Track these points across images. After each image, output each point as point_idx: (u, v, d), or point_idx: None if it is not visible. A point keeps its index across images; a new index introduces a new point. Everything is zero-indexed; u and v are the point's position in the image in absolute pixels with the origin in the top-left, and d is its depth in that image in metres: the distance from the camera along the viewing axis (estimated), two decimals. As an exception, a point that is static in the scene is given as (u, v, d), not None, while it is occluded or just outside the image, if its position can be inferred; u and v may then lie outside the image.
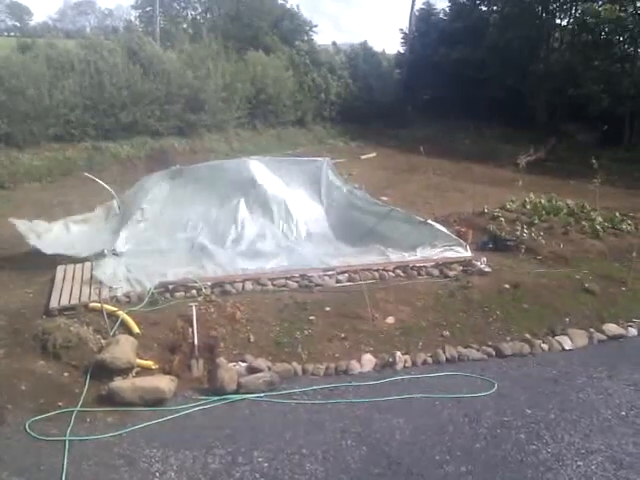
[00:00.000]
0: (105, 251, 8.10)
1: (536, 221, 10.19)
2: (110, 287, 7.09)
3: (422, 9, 30.90)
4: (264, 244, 8.73)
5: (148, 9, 29.77)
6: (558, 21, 26.38)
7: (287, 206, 9.26)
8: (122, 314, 6.48)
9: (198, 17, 31.01)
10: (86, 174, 9.25)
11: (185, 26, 28.42)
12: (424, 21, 30.58)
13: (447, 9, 29.92)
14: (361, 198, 9.56)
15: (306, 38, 29.03)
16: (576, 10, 25.01)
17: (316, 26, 30.97)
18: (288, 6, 29.99)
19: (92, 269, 7.61)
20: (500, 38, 25.19)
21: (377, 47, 30.54)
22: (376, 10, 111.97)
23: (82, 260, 8.01)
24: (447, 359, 6.40)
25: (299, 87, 24.42)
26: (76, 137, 16.62)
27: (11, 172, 14.23)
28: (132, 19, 31.58)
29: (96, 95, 17.03)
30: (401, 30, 31.14)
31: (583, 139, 23.07)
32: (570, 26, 25.39)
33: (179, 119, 19.00)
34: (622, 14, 20.50)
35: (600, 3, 21.62)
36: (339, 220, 9.40)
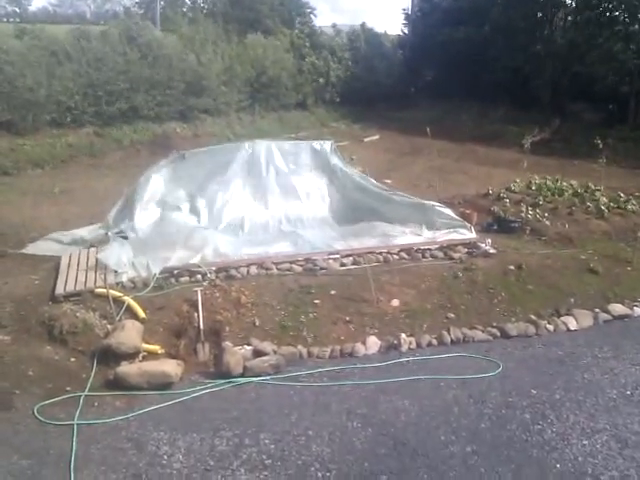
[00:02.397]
0: (109, 234, 8.11)
1: (541, 202, 10.15)
2: (115, 272, 7.11)
3: (424, -12, 30.46)
4: (267, 228, 8.73)
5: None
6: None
7: (289, 190, 9.23)
8: (128, 299, 6.51)
9: (198, 0, 30.67)
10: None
11: (185, 10, 28.14)
12: (427, 1, 30.17)
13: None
14: (364, 182, 9.47)
15: (306, 21, 28.70)
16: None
17: (315, 9, 30.69)
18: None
19: (97, 254, 7.63)
20: (503, 18, 24.83)
21: (378, 28, 30.21)
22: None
23: (87, 246, 8.04)
24: (452, 341, 6.42)
25: (299, 70, 24.18)
26: (77, 123, 16.54)
27: (14, 159, 14.20)
28: (131, 5, 31.26)
29: (95, 81, 16.91)
30: (404, 10, 30.77)
31: (588, 119, 22.83)
32: (573, 4, 24.97)
33: (181, 104, 18.87)
34: None
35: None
36: (341, 204, 9.34)
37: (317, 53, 25.24)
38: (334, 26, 29.34)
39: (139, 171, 14.03)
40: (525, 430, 4.92)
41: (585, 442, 4.78)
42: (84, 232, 8.69)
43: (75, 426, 4.79)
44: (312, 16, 30.10)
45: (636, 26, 21.30)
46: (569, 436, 4.85)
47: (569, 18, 25.43)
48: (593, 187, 11.05)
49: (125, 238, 8.01)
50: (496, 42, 24.96)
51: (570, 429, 4.95)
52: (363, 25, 29.10)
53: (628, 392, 5.54)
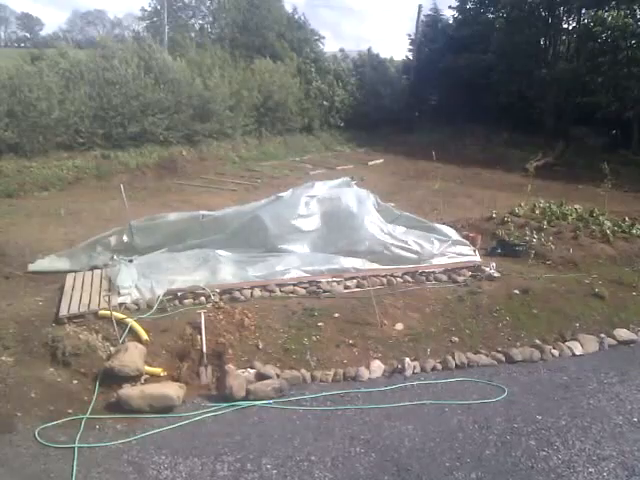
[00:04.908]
0: (115, 257, 8.17)
1: (545, 226, 10.13)
2: (119, 294, 7.12)
3: (429, 15, 30.93)
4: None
5: (155, 19, 30.00)
6: (565, 26, 26.37)
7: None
8: (131, 321, 6.50)
9: (206, 26, 31.20)
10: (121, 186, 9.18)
11: (193, 35, 28.61)
12: (431, 27, 30.61)
13: (454, 16, 29.94)
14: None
15: (313, 47, 29.16)
16: (581, 16, 24.93)
17: (324, 38, 31.23)
18: (296, 17, 30.16)
19: (102, 277, 7.66)
20: (507, 43, 25.15)
21: (383, 54, 30.66)
22: (377, 17, 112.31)
23: (91, 268, 8.08)
24: (456, 365, 6.37)
25: (306, 94, 24.49)
26: (85, 146, 16.72)
27: (20, 181, 14.33)
28: (140, 30, 31.82)
29: (105, 104, 17.16)
30: (408, 36, 31.17)
31: (592, 143, 22.97)
32: (576, 33, 25.29)
33: (187, 127, 19.09)
34: (628, 20, 20.37)
35: (606, 8, 21.48)
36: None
37: (323, 78, 25.57)
38: (342, 51, 29.80)
39: (147, 194, 14.27)
40: (530, 457, 4.86)
41: (591, 470, 4.71)
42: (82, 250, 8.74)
43: (76, 449, 4.76)
44: (320, 43, 30.63)
45: (638, 53, 21.45)
46: (575, 463, 4.78)
47: (572, 45, 25.73)
48: (597, 211, 11.04)
49: (130, 261, 8.04)
50: (499, 68, 25.28)
51: (576, 456, 4.88)
52: (369, 50, 29.57)
53: (635, 418, 5.47)
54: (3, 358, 5.79)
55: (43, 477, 4.45)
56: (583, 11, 24.55)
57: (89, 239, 8.96)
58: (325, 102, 25.15)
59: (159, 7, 28.92)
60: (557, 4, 25.07)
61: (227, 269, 7.80)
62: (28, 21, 68.14)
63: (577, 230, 10.02)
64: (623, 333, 7.19)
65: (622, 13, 20.42)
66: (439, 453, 4.89)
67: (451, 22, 30.37)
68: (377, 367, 6.26)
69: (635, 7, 21.37)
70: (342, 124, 25.89)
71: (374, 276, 7.94)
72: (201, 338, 6.31)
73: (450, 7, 29.37)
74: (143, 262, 8.04)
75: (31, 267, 8.30)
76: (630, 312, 7.70)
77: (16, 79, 15.62)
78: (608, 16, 20.62)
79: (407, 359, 6.32)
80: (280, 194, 8.98)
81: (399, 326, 6.94)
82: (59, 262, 8.41)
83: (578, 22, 25.38)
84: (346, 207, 8.78)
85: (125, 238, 8.74)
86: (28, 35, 66.14)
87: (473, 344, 6.79)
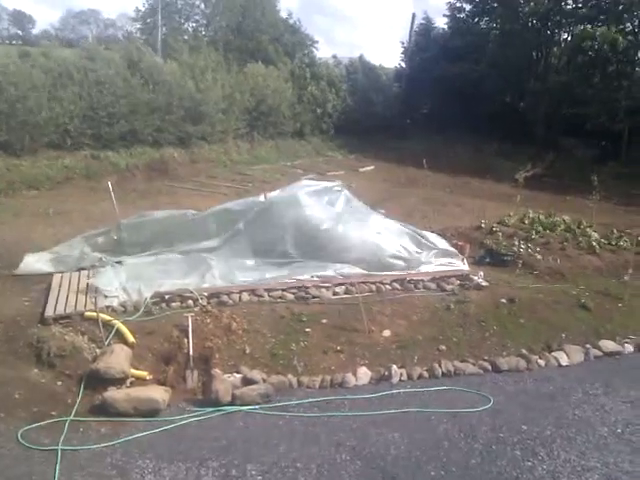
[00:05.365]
0: (103, 259, 8.11)
1: (533, 236, 10.20)
2: (106, 296, 7.06)
3: (422, 24, 31.09)
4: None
5: (149, 20, 29.92)
6: (557, 38, 26.60)
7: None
8: (117, 323, 6.46)
9: (200, 29, 31.17)
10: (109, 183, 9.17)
11: (186, 37, 28.56)
12: (424, 36, 30.77)
13: (446, 25, 30.14)
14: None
15: (306, 52, 29.21)
16: (573, 30, 25.20)
17: (317, 42, 31.27)
18: (290, 22, 30.20)
19: (89, 278, 7.60)
20: (499, 54, 25.39)
21: (373, 61, 30.70)
22: (369, 25, 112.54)
23: (79, 269, 8.02)
24: (443, 373, 6.39)
25: (298, 99, 24.51)
26: (74, 146, 16.58)
27: (9, 180, 14.18)
28: (133, 30, 31.74)
29: (95, 104, 17.03)
30: (402, 43, 31.28)
31: (581, 155, 23.19)
32: (568, 46, 25.55)
33: (179, 129, 19.00)
34: (616, 35, 20.63)
35: (595, 23, 21.75)
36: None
37: (316, 83, 25.61)
38: (334, 57, 29.87)
39: (137, 196, 14.17)
40: (515, 467, 4.87)
41: (575, 480, 4.73)
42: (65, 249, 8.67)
43: (59, 452, 4.71)
44: (313, 48, 30.67)
45: (628, 67, 21.77)
46: (560, 474, 4.80)
47: (563, 57, 25.98)
48: (585, 223, 11.14)
49: (118, 263, 8.00)
50: (491, 78, 25.48)
51: (561, 467, 4.90)
52: (361, 57, 29.66)
53: (619, 430, 5.51)
54: (-13, 358, 5.74)
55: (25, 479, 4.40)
56: (575, 25, 24.81)
57: (77, 236, 8.92)
58: (318, 108, 25.18)
59: (155, 6, 28.81)
60: (549, 17, 25.32)
61: (216, 273, 7.77)
62: (20, 18, 67.59)
63: (565, 241, 10.10)
64: (609, 344, 7.25)
65: (612, 28, 20.69)
66: (425, 462, 4.89)
67: (443, 32, 30.56)
68: (364, 374, 6.26)
69: (624, 23, 21.67)
70: (334, 130, 25.93)
71: (363, 283, 7.94)
72: (188, 342, 6.28)
73: (444, 15, 29.59)
74: (131, 263, 8.00)
75: (17, 272, 8.14)
76: (616, 323, 7.77)
77: (1, 76, 15.43)
78: (598, 32, 20.87)
79: (394, 366, 6.32)
80: (268, 193, 8.95)
81: (386, 333, 6.95)
82: (46, 265, 8.29)
83: (570, 35, 25.63)
84: (335, 213, 8.80)
85: (114, 236, 8.68)
86: (20, 32, 65.63)
87: (460, 352, 6.81)
